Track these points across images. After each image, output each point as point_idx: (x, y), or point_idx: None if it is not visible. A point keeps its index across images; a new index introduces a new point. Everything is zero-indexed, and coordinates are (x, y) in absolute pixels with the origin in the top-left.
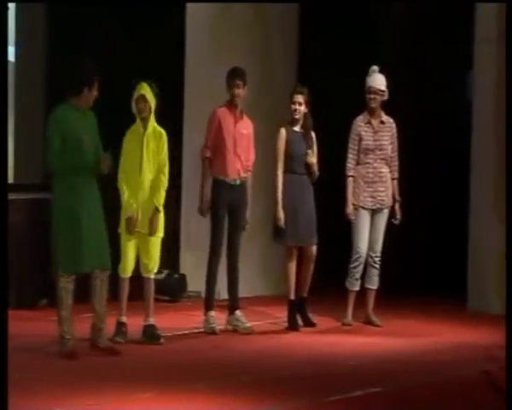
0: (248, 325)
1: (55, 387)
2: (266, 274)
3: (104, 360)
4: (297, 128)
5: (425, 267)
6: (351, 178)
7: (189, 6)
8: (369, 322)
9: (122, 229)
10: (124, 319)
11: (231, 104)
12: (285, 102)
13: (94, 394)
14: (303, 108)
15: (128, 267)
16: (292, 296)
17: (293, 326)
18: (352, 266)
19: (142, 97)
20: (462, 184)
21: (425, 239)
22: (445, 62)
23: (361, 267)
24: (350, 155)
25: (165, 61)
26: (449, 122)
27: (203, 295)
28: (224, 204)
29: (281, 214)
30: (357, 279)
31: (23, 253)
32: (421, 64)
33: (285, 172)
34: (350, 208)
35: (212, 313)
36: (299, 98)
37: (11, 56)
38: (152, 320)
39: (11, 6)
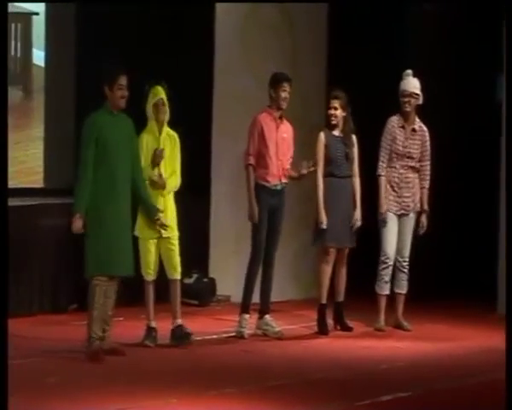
0: (278, 329)
1: (85, 391)
2: (297, 278)
3: (132, 363)
4: (336, 132)
5: (454, 271)
6: (383, 178)
7: (218, 10)
8: (398, 326)
9: (140, 231)
10: (153, 323)
11: (275, 108)
12: (314, 105)
13: (121, 398)
14: (339, 113)
15: (150, 269)
16: (323, 300)
17: (322, 331)
18: (380, 268)
19: (162, 101)
20: (491, 186)
21: (454, 242)
22: (475, 64)
23: (389, 270)
24: (382, 154)
25: (195, 66)
26: (479, 125)
27: (232, 299)
28: (266, 209)
29: (323, 217)
30: (386, 282)
31: (56, 258)
32: (452, 67)
33: (324, 175)
34: (383, 208)
35: (247, 316)
36: (335, 103)
37: (41, 61)
38: (180, 321)
39: (41, 11)
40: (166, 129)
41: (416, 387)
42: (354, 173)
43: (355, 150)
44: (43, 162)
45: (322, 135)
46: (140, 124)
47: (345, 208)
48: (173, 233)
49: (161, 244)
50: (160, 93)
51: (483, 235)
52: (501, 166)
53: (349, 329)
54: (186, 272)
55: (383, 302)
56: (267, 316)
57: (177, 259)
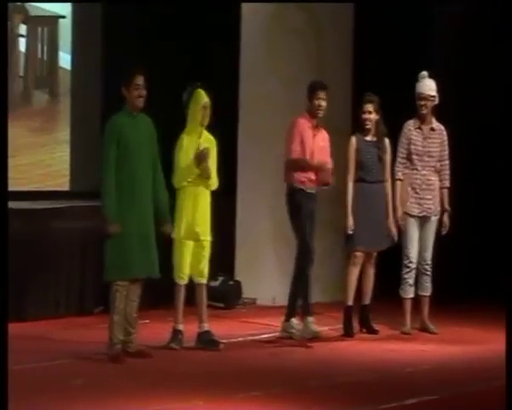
0: (317, 330)
1: (111, 392)
2: (323, 281)
3: (158, 366)
4: (368, 137)
5: (479, 272)
6: (399, 182)
7: (244, 12)
8: (424, 329)
9: (177, 234)
10: (181, 326)
11: (312, 115)
12: (340, 108)
13: (147, 400)
14: (373, 117)
15: (185, 273)
16: (350, 302)
17: (347, 333)
18: (403, 272)
19: (208, 104)
20: (506, 185)
21: (480, 243)
22: (500, 65)
23: (413, 273)
24: (399, 159)
25: (220, 68)
26: (498, 125)
27: (258, 302)
28: (308, 213)
29: (350, 222)
30: (410, 285)
31: (82, 260)
32: (477, 67)
33: (355, 181)
34: (400, 213)
35: (295, 320)
36: (369, 107)
37: (67, 64)
38: (207, 326)
39: (67, 14)
40: (205, 132)
41: (442, 390)
42: (386, 178)
43: (388, 155)
44: (70, 165)
45: (353, 139)
46: (170, 125)
47: (375, 213)
48: (207, 237)
49: (193, 248)
50: (206, 97)
51: (509, 236)
52: None
53: (375, 332)
54: (212, 275)
55: (408, 306)
56: (309, 318)
57: (206, 263)
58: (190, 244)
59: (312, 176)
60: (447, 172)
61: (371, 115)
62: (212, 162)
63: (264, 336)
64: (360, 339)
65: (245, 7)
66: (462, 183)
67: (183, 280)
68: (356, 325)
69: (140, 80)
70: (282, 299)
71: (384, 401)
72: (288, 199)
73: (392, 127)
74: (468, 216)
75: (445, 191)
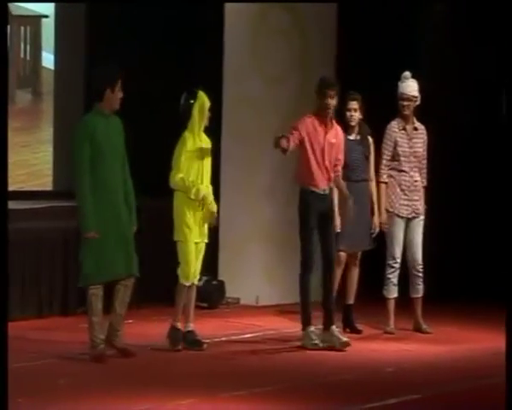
0: (346, 339)
1: (95, 392)
2: None
3: (141, 365)
4: (352, 136)
5: (466, 272)
6: (384, 185)
7: (228, 12)
8: (418, 329)
9: (182, 237)
10: (179, 324)
11: (322, 114)
12: None
13: (131, 400)
14: (357, 115)
15: (192, 274)
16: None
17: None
18: (388, 272)
19: (209, 107)
20: (503, 185)
21: (466, 244)
22: (485, 66)
23: (397, 273)
24: (384, 161)
25: (204, 70)
26: (486, 126)
27: (241, 301)
28: (315, 216)
29: (337, 222)
30: (394, 285)
31: (65, 260)
32: (460, 66)
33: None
34: (384, 217)
35: (312, 328)
36: (354, 105)
37: (50, 64)
38: (192, 326)
39: (51, 14)
40: (203, 134)
41: (425, 389)
42: (371, 177)
43: (372, 154)
44: (53, 165)
45: None
46: (149, 126)
47: (360, 213)
48: (205, 239)
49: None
50: (208, 101)
51: (495, 236)
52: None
53: (358, 331)
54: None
55: (392, 306)
56: (333, 327)
57: (200, 264)
58: (195, 245)
59: (322, 175)
60: (425, 170)
61: (356, 113)
62: (207, 164)
63: (247, 335)
64: None
65: (228, 7)
66: (451, 182)
67: (189, 281)
68: (340, 324)
69: (120, 83)
70: (266, 299)
71: (368, 400)
72: (299, 201)
73: (375, 126)
74: (460, 216)
75: (423, 190)
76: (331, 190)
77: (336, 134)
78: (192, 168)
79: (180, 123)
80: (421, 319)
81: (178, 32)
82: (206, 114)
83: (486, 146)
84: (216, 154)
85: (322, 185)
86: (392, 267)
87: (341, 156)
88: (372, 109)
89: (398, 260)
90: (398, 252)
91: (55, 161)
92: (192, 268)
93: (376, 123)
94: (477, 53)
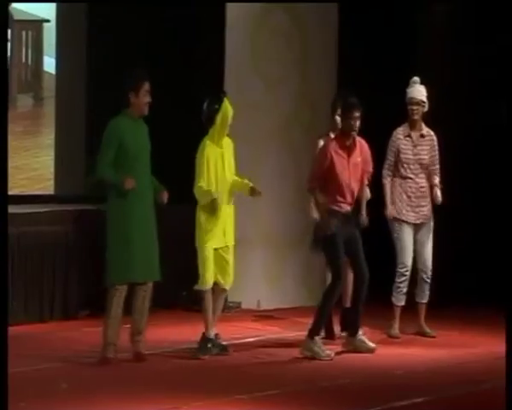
0: (373, 345)
1: (96, 396)
2: (307, 285)
3: (144, 370)
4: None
5: (466, 277)
6: (387, 182)
7: (229, 14)
8: (422, 334)
9: (199, 242)
10: (212, 333)
11: (346, 136)
12: (324, 110)
13: (133, 404)
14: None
15: (211, 279)
16: (346, 304)
17: (328, 335)
18: (398, 281)
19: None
20: (503, 189)
21: (467, 248)
22: (485, 66)
23: (407, 282)
24: (386, 166)
25: (204, 71)
26: (491, 127)
27: (243, 306)
28: (341, 235)
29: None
30: (403, 294)
31: (66, 264)
32: (463, 66)
33: None
34: (389, 208)
35: (318, 337)
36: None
37: (52, 69)
38: (215, 331)
39: (52, 18)
40: (226, 137)
41: (429, 393)
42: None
43: None
44: (54, 169)
45: (322, 142)
46: (153, 128)
47: None
48: (232, 242)
49: (218, 253)
50: (231, 108)
51: (496, 239)
52: None
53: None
54: (197, 279)
55: (398, 312)
56: (360, 332)
57: (231, 268)
58: (214, 250)
59: (349, 197)
60: (437, 175)
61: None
62: (230, 161)
63: (248, 339)
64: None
65: (229, 8)
66: (453, 187)
67: (209, 285)
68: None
69: (148, 86)
70: (267, 303)
71: (370, 404)
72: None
73: (376, 128)
74: (462, 217)
75: (436, 184)
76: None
77: (359, 152)
78: (213, 176)
79: (201, 128)
80: (425, 323)
81: (179, 34)
82: (229, 121)
83: (486, 149)
84: None
85: (346, 207)
86: (404, 275)
87: (370, 167)
88: (373, 111)
89: (409, 268)
90: (409, 260)
91: (57, 165)
92: (210, 274)
93: (378, 124)
94: (478, 54)
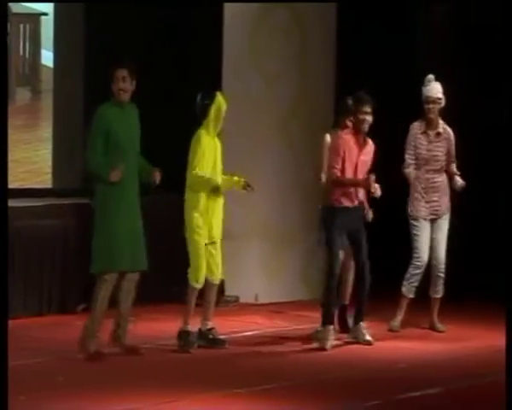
0: (369, 338)
1: (93, 390)
2: (306, 279)
3: (141, 363)
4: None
5: (465, 271)
6: (409, 172)
7: (227, 11)
8: (434, 328)
9: (190, 235)
10: (190, 327)
11: (357, 130)
12: (323, 106)
13: (129, 397)
14: (371, 119)
15: (203, 277)
16: (344, 302)
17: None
18: (412, 273)
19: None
20: (504, 186)
21: (465, 243)
22: (485, 64)
23: (420, 276)
24: (407, 158)
25: (203, 67)
26: (492, 128)
27: (241, 300)
28: (343, 230)
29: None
30: (415, 287)
31: (64, 258)
32: (463, 66)
33: None
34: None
35: (331, 326)
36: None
37: (50, 62)
38: (211, 324)
39: (50, 12)
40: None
41: (433, 386)
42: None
43: None
44: (52, 163)
45: (328, 137)
46: (150, 122)
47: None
48: (220, 237)
49: (208, 248)
50: (225, 102)
51: (497, 234)
52: None
53: (349, 331)
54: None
55: (405, 303)
56: (362, 323)
57: (219, 263)
58: (206, 246)
59: (354, 193)
60: (454, 163)
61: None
62: (219, 162)
63: (246, 333)
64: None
65: (228, 6)
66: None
67: (201, 284)
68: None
69: (121, 73)
70: (265, 297)
71: (369, 397)
72: (325, 215)
73: (376, 124)
74: (461, 215)
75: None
76: (360, 206)
77: (368, 151)
78: (207, 166)
79: (195, 121)
80: (437, 318)
81: (178, 30)
82: (222, 116)
83: (486, 148)
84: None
85: (351, 203)
86: (419, 268)
87: (366, 173)
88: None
89: (425, 264)
90: (424, 254)
91: (55, 158)
92: (202, 270)
93: (377, 121)
94: (479, 52)
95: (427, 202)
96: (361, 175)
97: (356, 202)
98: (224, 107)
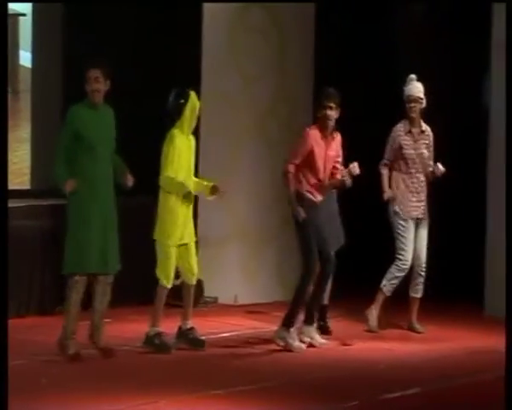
0: (323, 341)
1: (75, 392)
2: (282, 280)
3: (120, 365)
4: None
5: (441, 271)
6: (385, 172)
7: (206, 12)
8: (412, 329)
9: (162, 238)
10: (160, 329)
11: (323, 126)
12: (302, 106)
13: (110, 398)
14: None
15: (172, 276)
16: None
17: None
18: (397, 274)
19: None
20: (479, 185)
21: (441, 242)
22: (462, 65)
23: (403, 277)
24: (384, 161)
25: (182, 67)
26: (466, 124)
27: (220, 300)
28: (313, 222)
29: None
30: (394, 287)
31: (42, 259)
32: (439, 66)
33: None
34: (388, 192)
35: (292, 329)
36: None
37: (28, 63)
38: (191, 323)
39: (28, 12)
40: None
41: (410, 387)
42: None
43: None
44: (30, 163)
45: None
46: (128, 123)
47: (330, 216)
48: (193, 239)
49: (180, 250)
50: (198, 101)
51: (471, 234)
52: (488, 167)
53: (329, 332)
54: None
55: (381, 300)
56: (315, 325)
57: (195, 265)
58: (176, 248)
59: (322, 187)
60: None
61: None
62: (192, 162)
63: (225, 334)
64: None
65: (206, 6)
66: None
67: (170, 283)
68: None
69: (94, 73)
70: (244, 298)
71: (347, 399)
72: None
73: (352, 123)
74: (436, 215)
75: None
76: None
77: (336, 145)
78: (181, 167)
79: (168, 120)
80: (416, 318)
81: (157, 30)
82: (196, 114)
83: (470, 143)
84: (194, 150)
85: (320, 197)
86: (403, 271)
87: (339, 159)
88: (347, 109)
89: (409, 265)
90: (410, 256)
91: (33, 159)
92: (172, 271)
93: (353, 120)
94: (458, 52)
95: (418, 202)
96: (328, 170)
97: (321, 197)
98: (197, 105)
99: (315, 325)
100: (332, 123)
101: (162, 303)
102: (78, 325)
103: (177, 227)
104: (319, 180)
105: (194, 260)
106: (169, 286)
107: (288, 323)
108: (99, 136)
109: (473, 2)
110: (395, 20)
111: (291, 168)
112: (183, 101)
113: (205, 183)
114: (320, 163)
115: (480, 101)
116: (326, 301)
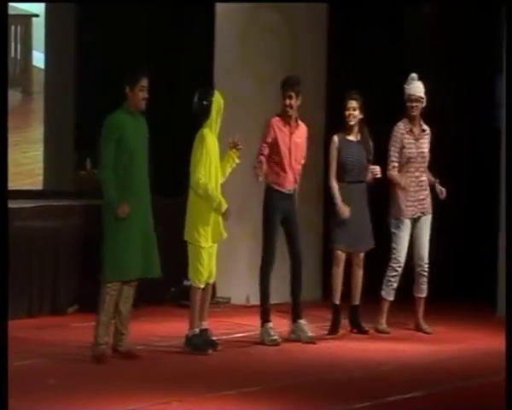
0: (311, 334)
1: (85, 392)
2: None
3: (132, 365)
4: (351, 137)
5: (454, 273)
6: (394, 172)
7: (218, 12)
8: (419, 329)
9: (194, 240)
10: (197, 330)
11: (285, 114)
12: (314, 106)
13: (122, 399)
14: (357, 114)
15: (206, 276)
16: (336, 301)
17: (333, 331)
18: (390, 275)
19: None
20: (492, 187)
21: (454, 244)
22: (474, 65)
23: (398, 277)
24: (393, 163)
25: (194, 67)
26: (480, 124)
27: (232, 301)
28: (278, 214)
29: (344, 209)
30: (394, 289)
31: (55, 259)
32: (451, 67)
33: (336, 180)
34: (403, 180)
35: (271, 324)
36: (353, 104)
37: (41, 63)
38: (206, 324)
39: (41, 13)
40: None
41: (416, 389)
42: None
43: (370, 157)
44: (43, 164)
45: (335, 138)
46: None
47: (356, 214)
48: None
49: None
50: (222, 100)
51: (483, 236)
52: (501, 167)
53: (365, 332)
54: (186, 275)
55: (387, 306)
56: (301, 320)
57: (215, 263)
58: (209, 248)
59: (290, 176)
60: (432, 177)
61: (355, 112)
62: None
63: (237, 335)
64: (333, 339)
65: (219, 6)
66: (442, 184)
67: (203, 283)
68: (347, 324)
69: (145, 82)
70: (256, 298)
71: (359, 399)
72: (264, 198)
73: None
74: (444, 216)
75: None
76: (295, 190)
77: (302, 133)
78: (211, 170)
79: (195, 121)
80: (423, 319)
81: (169, 31)
82: (222, 113)
83: (478, 147)
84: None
85: (288, 185)
86: (396, 271)
87: (305, 154)
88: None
89: (402, 265)
90: (403, 257)
91: (46, 160)
92: (206, 271)
93: (367, 120)
94: (470, 52)
95: (415, 201)
96: (296, 158)
97: (291, 188)
98: (222, 104)
99: (301, 321)
100: (292, 111)
101: (197, 304)
102: (110, 332)
103: (208, 228)
104: (286, 170)
105: (214, 261)
106: (202, 286)
107: (263, 320)
108: (138, 143)
109: (484, 2)
110: (407, 20)
111: (261, 159)
112: (208, 101)
113: (225, 159)
114: (285, 149)
115: (492, 100)
116: (356, 301)
